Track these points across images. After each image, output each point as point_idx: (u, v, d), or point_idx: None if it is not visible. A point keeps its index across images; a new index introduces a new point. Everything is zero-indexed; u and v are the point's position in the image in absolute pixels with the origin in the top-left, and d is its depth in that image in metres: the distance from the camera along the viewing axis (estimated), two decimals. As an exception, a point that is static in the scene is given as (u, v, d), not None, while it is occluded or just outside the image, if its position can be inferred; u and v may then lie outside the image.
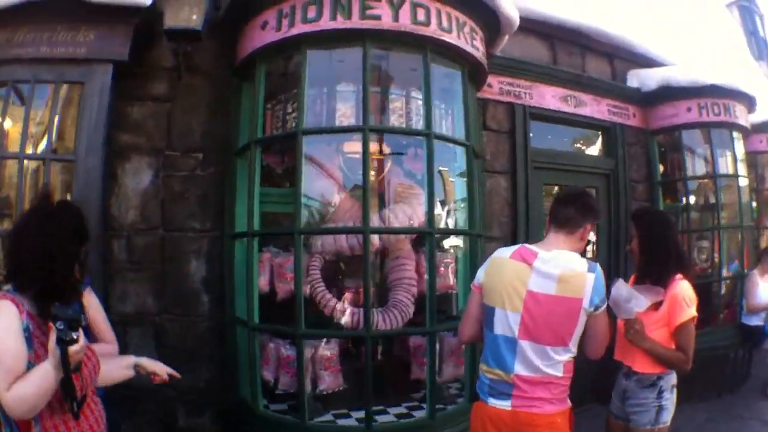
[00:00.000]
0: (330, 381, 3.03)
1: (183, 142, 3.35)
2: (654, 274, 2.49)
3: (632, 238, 2.61)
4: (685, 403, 5.13)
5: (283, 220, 3.46)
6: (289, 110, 3.23)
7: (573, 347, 2.08)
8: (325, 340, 3.07)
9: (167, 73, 3.35)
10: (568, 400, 2.13)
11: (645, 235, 2.56)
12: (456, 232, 3.68)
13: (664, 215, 2.79)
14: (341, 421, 3.01)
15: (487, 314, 2.14)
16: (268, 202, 3.29)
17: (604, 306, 2.10)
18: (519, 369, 2.03)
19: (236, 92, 3.42)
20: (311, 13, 2.90)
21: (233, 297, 3.26)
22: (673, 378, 2.50)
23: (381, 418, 3.03)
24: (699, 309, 5.53)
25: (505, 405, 2.05)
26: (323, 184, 3.31)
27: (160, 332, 3.26)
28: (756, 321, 5.72)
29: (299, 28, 2.92)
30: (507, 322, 2.06)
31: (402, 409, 3.19)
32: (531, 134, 4.41)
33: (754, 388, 5.95)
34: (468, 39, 3.21)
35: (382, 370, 3.30)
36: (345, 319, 3.14)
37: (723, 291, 6.21)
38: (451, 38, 3.08)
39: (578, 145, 5.33)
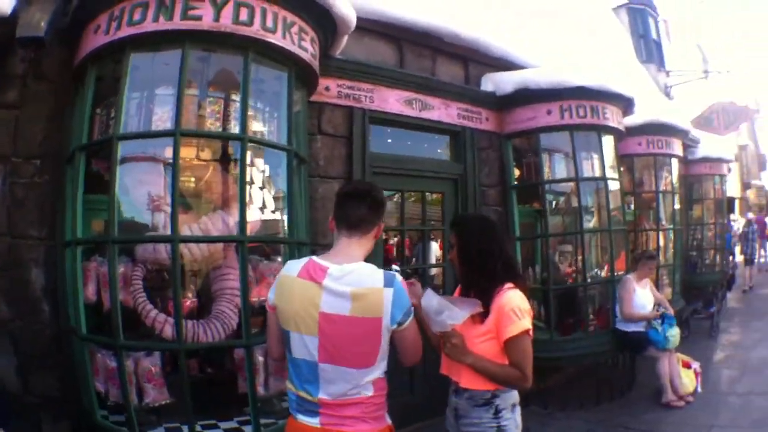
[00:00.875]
0: (155, 394, 3.24)
1: (26, 149, 3.57)
2: (475, 284, 2.54)
3: (452, 246, 2.67)
4: (561, 412, 5.91)
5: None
6: (112, 115, 3.45)
7: (381, 364, 2.17)
8: (145, 352, 3.28)
9: (19, 80, 3.58)
10: (387, 418, 2.24)
11: (464, 243, 2.61)
12: (272, 240, 3.94)
13: (485, 221, 2.83)
14: (173, 435, 3.22)
15: (284, 337, 2.18)
16: (98, 209, 3.48)
17: (411, 318, 2.18)
18: (323, 393, 2.10)
19: (74, 98, 3.63)
20: (137, 15, 3.15)
21: (66, 306, 3.46)
22: (512, 396, 2.54)
23: (211, 433, 3.26)
24: (565, 315, 6.20)
25: (313, 422, 2.12)
26: (145, 190, 3.54)
27: (15, 339, 3.47)
28: (634, 327, 6.16)
29: (125, 31, 3.17)
30: (305, 345, 2.11)
31: (233, 424, 3.42)
32: (372, 139, 4.76)
33: (641, 397, 6.39)
34: (295, 39, 3.49)
35: (213, 383, 3.54)
36: (166, 331, 3.34)
37: (596, 297, 6.77)
38: (275, 39, 3.35)
39: (428, 150, 5.73)
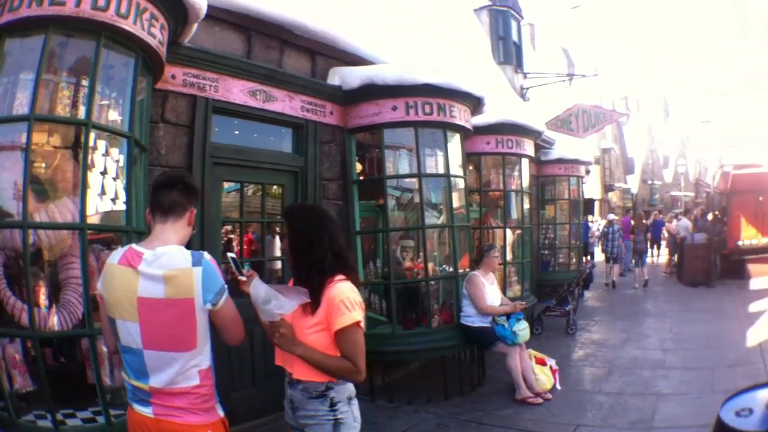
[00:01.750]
0: (21, 381, 3.62)
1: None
2: (306, 274, 2.71)
3: (284, 237, 2.87)
4: (409, 406, 6.47)
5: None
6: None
7: (204, 350, 2.44)
8: (9, 339, 3.66)
9: None
10: (219, 411, 2.50)
11: (295, 233, 2.79)
12: (109, 228, 4.24)
13: (317, 211, 3.02)
14: (41, 422, 3.60)
15: (112, 325, 2.43)
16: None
17: (225, 297, 2.43)
18: (152, 380, 2.35)
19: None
20: (15, 2, 3.54)
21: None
22: (347, 389, 2.72)
23: (71, 422, 3.66)
24: (408, 309, 7.06)
25: (147, 412, 2.38)
26: (10, 177, 3.80)
27: None
28: (479, 322, 6.77)
29: (4, 18, 3.57)
30: (129, 332, 2.35)
31: (88, 414, 3.75)
32: (217, 129, 5.29)
33: (494, 392, 6.96)
34: (146, 25, 3.87)
35: (68, 372, 3.90)
36: (23, 319, 3.63)
37: (440, 292, 7.45)
38: (126, 24, 3.72)
39: (274, 142, 6.27)
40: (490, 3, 13.67)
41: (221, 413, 2.51)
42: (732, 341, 9.24)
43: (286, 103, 5.92)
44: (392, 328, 6.72)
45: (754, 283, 15.47)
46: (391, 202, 7.17)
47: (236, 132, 5.76)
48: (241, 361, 5.49)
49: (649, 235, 20.44)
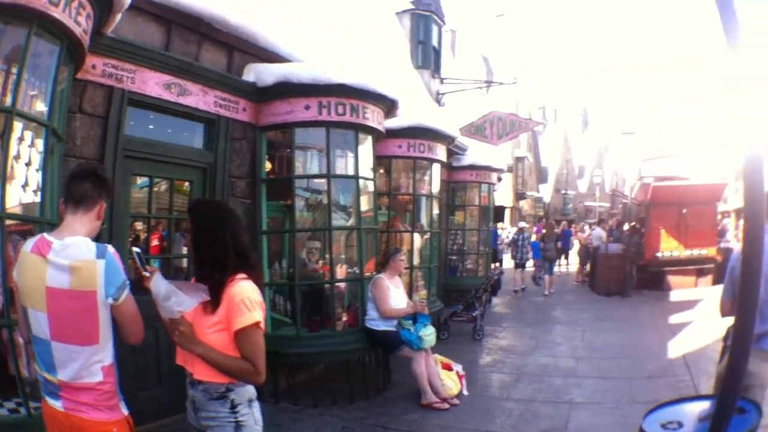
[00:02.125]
0: None
1: None
2: (207, 271, 2.76)
3: (188, 233, 2.93)
4: (314, 409, 6.63)
5: None
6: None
7: (107, 346, 2.55)
8: None
9: None
10: (123, 409, 2.63)
11: (199, 229, 2.85)
12: (23, 219, 4.30)
13: (220, 207, 3.14)
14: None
15: (24, 315, 2.55)
16: None
17: (126, 292, 2.54)
18: (60, 373, 2.46)
19: None
20: None
21: None
22: (247, 391, 2.78)
23: (-2, 411, 3.79)
24: (313, 312, 7.45)
25: (58, 405, 2.49)
26: None
27: None
28: (384, 326, 6.98)
29: None
30: (39, 322, 2.46)
31: (12, 404, 3.86)
32: (131, 122, 5.43)
33: (400, 397, 7.16)
34: (73, 13, 3.95)
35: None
36: None
37: (345, 294, 7.68)
38: (56, 12, 3.79)
39: (188, 137, 6.40)
40: (413, 7, 14.12)
41: (125, 411, 2.62)
42: (651, 352, 9.58)
43: (199, 98, 6.10)
44: (296, 330, 6.93)
45: (675, 295, 16.41)
46: (299, 203, 7.39)
47: (151, 126, 5.90)
48: (146, 359, 5.59)
49: (558, 244, 21.56)
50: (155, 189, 6.37)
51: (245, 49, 6.80)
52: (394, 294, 7.18)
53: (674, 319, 12.51)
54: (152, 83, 5.56)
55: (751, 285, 1.89)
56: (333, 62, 7.86)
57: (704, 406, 2.40)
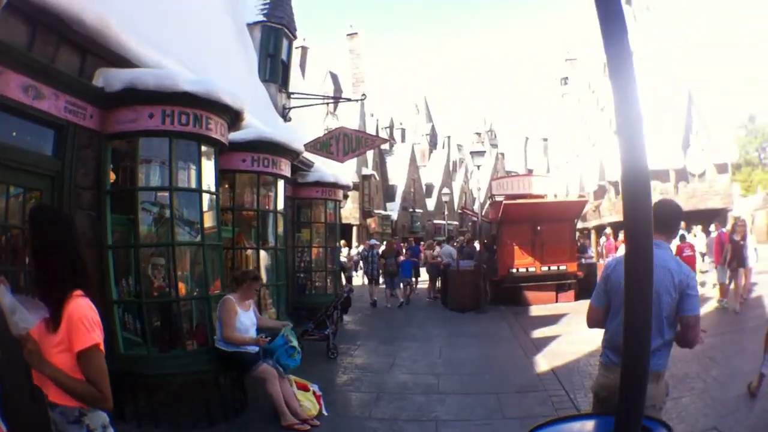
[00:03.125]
0: None
1: None
2: (47, 288, 2.70)
3: (28, 242, 2.91)
4: (175, 430, 6.50)
5: None
6: None
7: None
8: None
9: None
10: (2, 426, 2.53)
11: (32, 237, 2.81)
12: None
13: (57, 215, 3.08)
14: None
15: None
16: None
17: None
18: None
19: None
20: None
21: None
22: (101, 416, 2.75)
23: None
24: (162, 330, 7.25)
25: None
26: None
27: None
28: (234, 347, 7.02)
29: None
30: None
31: None
32: None
33: (260, 418, 7.20)
34: None
35: None
36: None
37: (193, 313, 7.53)
38: None
39: (42, 144, 6.12)
40: (264, 19, 14.16)
41: (4, 428, 2.54)
42: (517, 366, 9.93)
43: (52, 102, 5.93)
44: (147, 350, 6.85)
45: (535, 310, 17.22)
46: (144, 216, 7.24)
47: (13, 132, 5.69)
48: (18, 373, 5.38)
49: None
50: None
51: (98, 52, 6.61)
52: (243, 317, 7.20)
53: (537, 333, 13.01)
54: (14, 85, 5.38)
55: (642, 287, 2.13)
56: (180, 69, 7.81)
57: (592, 424, 2.40)
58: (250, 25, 14.19)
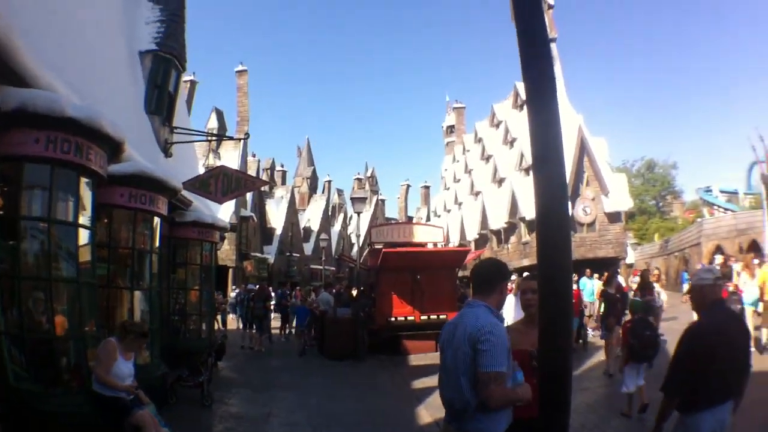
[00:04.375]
0: None
1: None
2: None
3: None
4: None
5: None
6: None
7: None
8: None
9: None
10: None
11: None
12: None
13: None
14: None
15: None
16: None
17: None
18: None
19: None
20: None
21: None
22: None
23: None
24: (45, 366, 6.72)
25: None
26: None
27: None
28: (111, 392, 6.84)
29: None
30: None
31: None
32: None
33: None
34: None
35: None
36: None
37: (71, 351, 7.17)
38: None
39: None
40: (156, 47, 13.80)
41: None
42: (398, 418, 9.99)
43: None
44: (33, 386, 6.60)
45: (414, 359, 17.16)
46: (24, 246, 6.95)
47: None
48: None
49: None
50: None
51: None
52: (122, 365, 7.07)
53: (418, 384, 12.95)
54: None
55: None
56: (68, 94, 7.59)
57: None
58: (142, 53, 13.76)
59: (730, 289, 12.41)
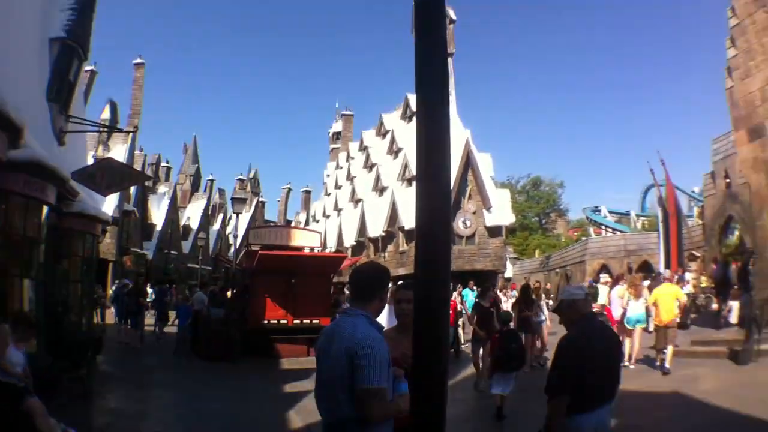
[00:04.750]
0: None
1: None
2: None
3: None
4: None
5: None
6: None
7: None
8: None
9: None
10: None
11: None
12: None
13: None
14: None
15: None
16: None
17: None
18: None
19: None
20: None
21: None
22: None
23: None
24: None
25: None
26: None
27: None
28: (4, 376, 6.66)
29: None
30: None
31: None
32: None
33: None
34: None
35: None
36: None
37: None
38: None
39: None
40: (64, 35, 13.55)
41: None
42: (269, 422, 10.06)
43: None
44: None
45: (286, 363, 16.96)
46: None
47: None
48: None
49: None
50: None
51: None
52: (14, 353, 7.03)
53: (290, 388, 12.96)
54: None
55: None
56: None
57: None
58: (52, 40, 13.52)
59: (596, 309, 12.43)
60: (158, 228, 54.04)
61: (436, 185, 2.45)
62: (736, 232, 27.21)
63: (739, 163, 18.04)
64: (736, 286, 19.54)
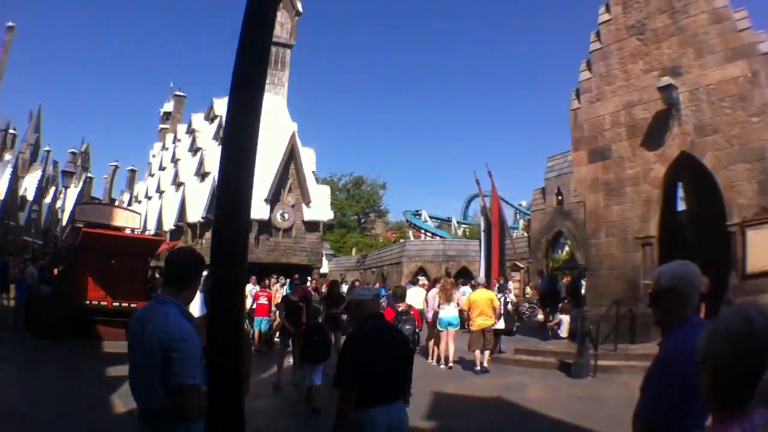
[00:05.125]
0: None
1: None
2: None
3: None
4: None
5: None
6: None
7: None
8: None
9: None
10: None
11: None
12: None
13: None
14: None
15: None
16: None
17: None
18: None
19: None
20: None
21: None
22: None
23: None
24: None
25: None
26: None
27: None
28: None
29: None
30: None
31: None
32: None
33: None
34: None
35: None
36: None
37: None
38: None
39: None
40: None
41: None
42: (92, 404, 9.92)
43: None
44: None
45: (108, 345, 16.05)
46: None
47: None
48: None
49: None
50: None
51: None
52: None
53: (111, 371, 12.37)
54: None
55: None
56: None
57: None
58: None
59: (401, 308, 12.86)
60: (0, 197, 53.45)
61: (239, 174, 2.52)
62: (567, 248, 29.44)
63: (576, 182, 17.96)
64: (566, 300, 20.28)
